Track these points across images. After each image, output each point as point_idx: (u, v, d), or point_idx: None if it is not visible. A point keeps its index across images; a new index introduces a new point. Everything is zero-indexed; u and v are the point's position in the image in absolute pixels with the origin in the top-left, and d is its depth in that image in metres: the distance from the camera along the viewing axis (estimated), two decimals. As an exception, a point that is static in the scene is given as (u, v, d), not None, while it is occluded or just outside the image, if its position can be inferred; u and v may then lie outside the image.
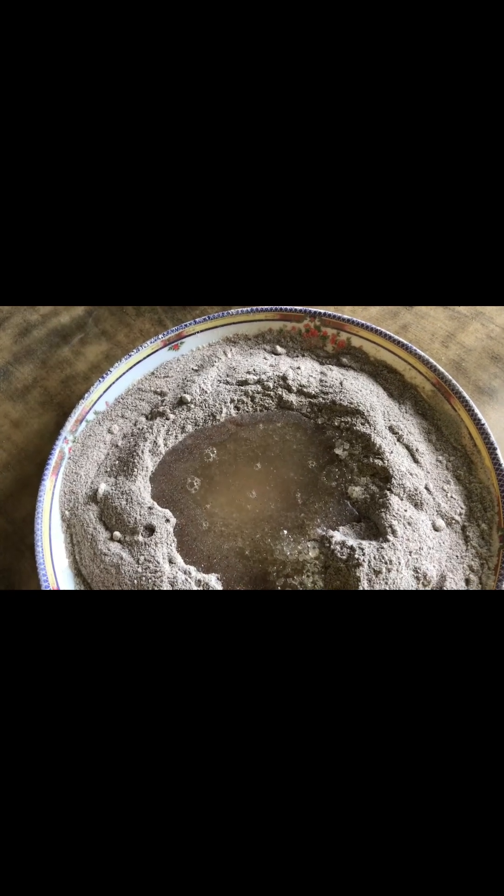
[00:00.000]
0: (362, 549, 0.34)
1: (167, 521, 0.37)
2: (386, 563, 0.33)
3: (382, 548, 0.34)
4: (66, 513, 0.40)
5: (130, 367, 0.45)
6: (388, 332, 0.43)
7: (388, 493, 0.36)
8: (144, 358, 0.45)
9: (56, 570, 0.37)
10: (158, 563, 0.35)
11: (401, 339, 0.43)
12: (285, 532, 0.36)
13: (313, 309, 0.45)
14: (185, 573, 0.35)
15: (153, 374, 0.45)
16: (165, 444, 0.41)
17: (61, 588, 0.36)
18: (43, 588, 0.35)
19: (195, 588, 0.34)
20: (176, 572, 0.35)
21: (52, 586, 0.35)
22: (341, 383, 0.42)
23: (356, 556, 0.33)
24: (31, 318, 0.53)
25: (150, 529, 0.37)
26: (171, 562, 0.36)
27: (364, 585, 0.33)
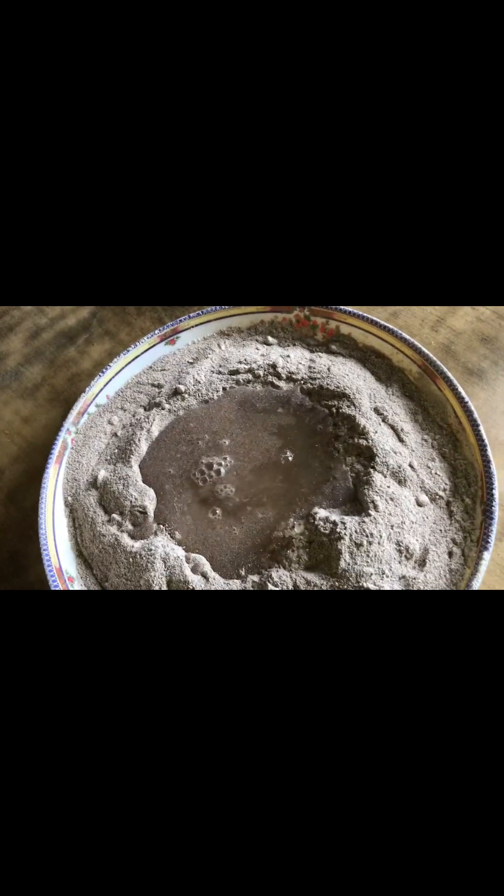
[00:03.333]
0: (344, 524, 0.35)
1: (157, 501, 0.39)
2: (367, 536, 0.34)
3: (364, 522, 0.35)
4: (69, 498, 0.42)
5: (129, 362, 0.47)
6: (375, 319, 0.44)
7: (371, 470, 0.37)
8: (142, 353, 0.47)
9: (59, 552, 0.39)
10: (151, 542, 0.37)
11: (387, 325, 0.44)
12: (271, 511, 0.38)
13: (302, 299, 0.47)
14: (175, 551, 0.37)
15: (151, 367, 0.48)
16: (160, 431, 0.43)
17: (63, 568, 0.38)
18: (46, 568, 0.37)
19: (185, 565, 0.36)
20: (168, 551, 0.37)
21: (55, 567, 0.38)
22: (329, 369, 0.43)
23: (338, 530, 0.34)
24: (41, 322, 0.56)
25: (144, 511, 0.39)
26: (163, 541, 0.37)
27: (346, 558, 0.34)
